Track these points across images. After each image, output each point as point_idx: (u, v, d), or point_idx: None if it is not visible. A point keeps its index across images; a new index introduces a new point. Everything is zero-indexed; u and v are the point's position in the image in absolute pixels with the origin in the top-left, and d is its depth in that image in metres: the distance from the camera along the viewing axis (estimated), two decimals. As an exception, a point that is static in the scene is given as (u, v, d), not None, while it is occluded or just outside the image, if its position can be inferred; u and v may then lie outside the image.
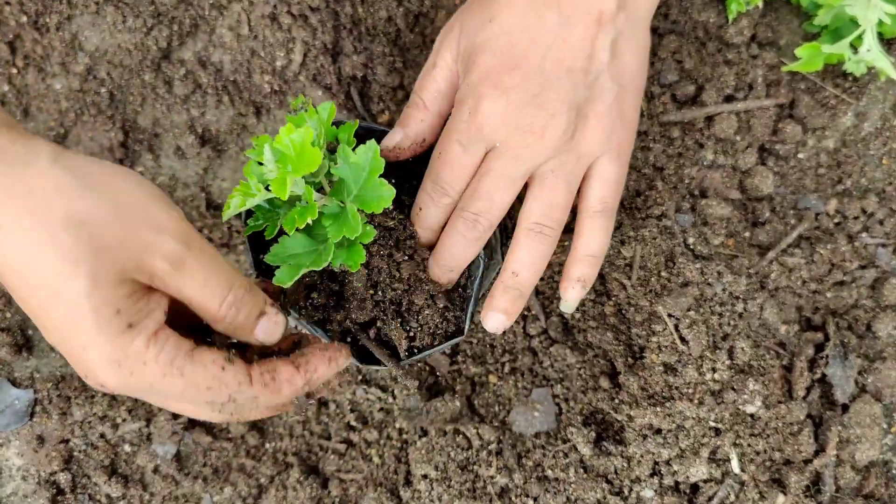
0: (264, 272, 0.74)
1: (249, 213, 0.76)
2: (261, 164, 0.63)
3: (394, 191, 0.63)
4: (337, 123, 0.71)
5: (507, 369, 0.92)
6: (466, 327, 0.74)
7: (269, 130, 0.98)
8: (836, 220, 0.92)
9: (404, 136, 0.77)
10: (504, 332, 0.92)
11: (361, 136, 0.73)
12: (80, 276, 0.54)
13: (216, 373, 0.59)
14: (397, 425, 0.91)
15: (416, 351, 0.75)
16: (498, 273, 0.77)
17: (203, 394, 0.60)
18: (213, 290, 0.59)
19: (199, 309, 0.60)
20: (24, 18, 0.97)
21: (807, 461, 0.86)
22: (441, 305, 0.74)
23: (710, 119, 0.93)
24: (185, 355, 0.58)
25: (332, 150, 0.68)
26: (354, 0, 0.97)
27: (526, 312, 0.92)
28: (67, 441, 0.92)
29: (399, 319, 0.74)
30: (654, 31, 0.97)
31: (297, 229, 0.62)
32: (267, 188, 0.61)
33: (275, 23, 0.97)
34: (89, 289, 0.54)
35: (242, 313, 0.61)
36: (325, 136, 0.67)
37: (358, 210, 0.64)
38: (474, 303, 0.75)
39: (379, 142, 0.73)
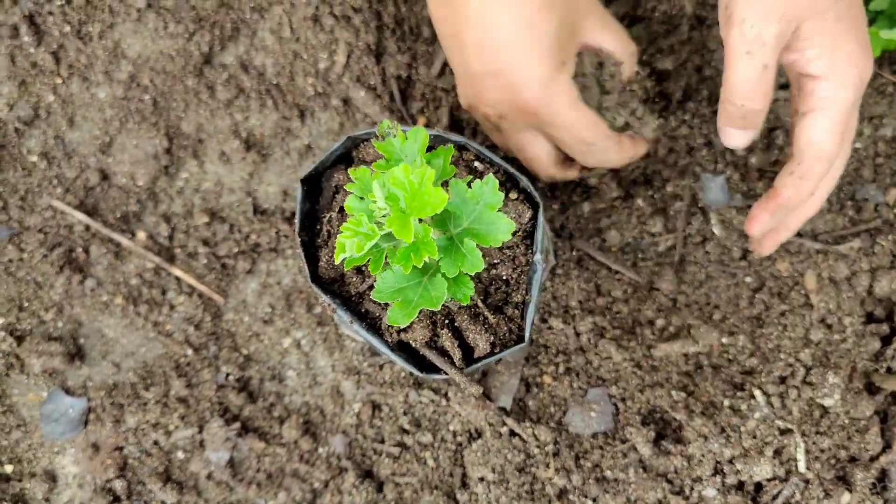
0: (322, 284, 0.74)
1: (304, 227, 0.75)
2: (361, 198, 0.61)
3: (513, 224, 0.60)
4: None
5: (561, 370, 0.91)
6: (527, 335, 0.73)
7: (314, 133, 0.97)
8: (896, 211, 0.90)
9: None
10: (552, 330, 0.90)
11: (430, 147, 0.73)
12: (553, 17, 0.71)
13: (593, 120, 0.76)
14: (451, 428, 0.90)
15: (477, 360, 0.74)
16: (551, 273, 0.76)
17: (581, 132, 0.76)
18: (626, 41, 0.79)
19: (615, 51, 0.78)
20: (68, 28, 0.98)
21: (873, 458, 0.84)
22: (501, 315, 0.73)
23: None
24: (579, 99, 0.75)
25: None
26: (397, -1, 0.96)
27: (573, 310, 0.91)
28: (122, 448, 0.93)
29: (453, 330, 0.73)
30: (702, 21, 0.95)
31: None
32: (377, 225, 0.59)
33: (317, 24, 0.97)
34: (557, 30, 0.72)
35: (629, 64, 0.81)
36: (422, 162, 0.64)
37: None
38: (534, 309, 0.73)
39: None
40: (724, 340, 0.88)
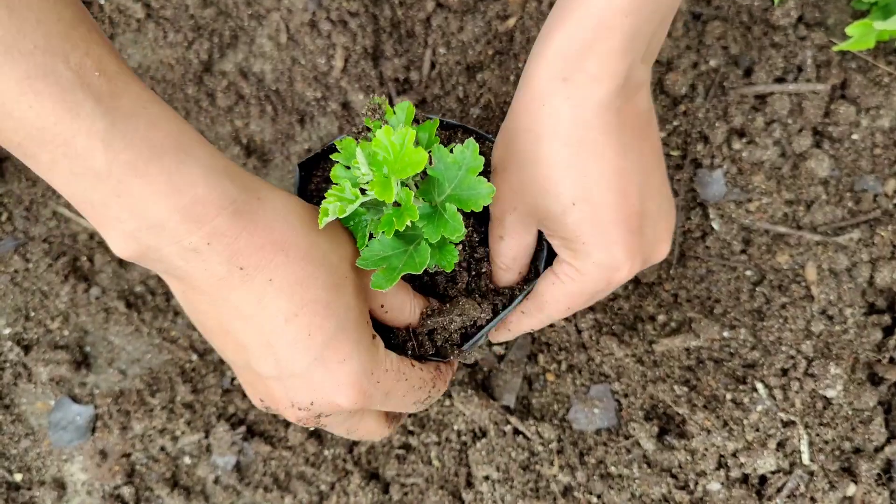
0: None
1: None
2: (347, 167, 0.62)
3: (493, 188, 0.60)
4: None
5: (563, 367, 0.91)
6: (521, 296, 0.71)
7: (315, 138, 0.98)
8: (895, 201, 0.90)
9: None
10: (552, 326, 0.91)
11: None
12: (347, 290, 0.61)
13: (422, 375, 0.68)
14: (456, 427, 0.91)
15: (467, 338, 0.73)
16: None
17: (415, 393, 0.67)
18: (403, 295, 0.68)
19: (398, 311, 0.68)
20: (68, 39, 0.99)
21: (878, 449, 0.84)
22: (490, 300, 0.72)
23: (762, 98, 0.91)
24: (402, 360, 0.66)
25: None
26: (393, 3, 0.97)
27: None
28: (129, 455, 0.93)
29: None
30: (697, 17, 0.95)
31: (382, 231, 0.61)
32: (362, 191, 0.60)
33: (314, 30, 0.97)
34: (355, 303, 0.62)
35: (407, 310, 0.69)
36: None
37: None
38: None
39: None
40: (726, 334, 0.88)
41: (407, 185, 0.62)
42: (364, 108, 0.67)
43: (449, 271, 0.66)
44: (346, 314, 0.61)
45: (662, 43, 0.61)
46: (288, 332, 0.59)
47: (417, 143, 0.67)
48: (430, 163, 0.62)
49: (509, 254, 0.68)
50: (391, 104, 0.98)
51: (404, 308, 0.68)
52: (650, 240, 0.64)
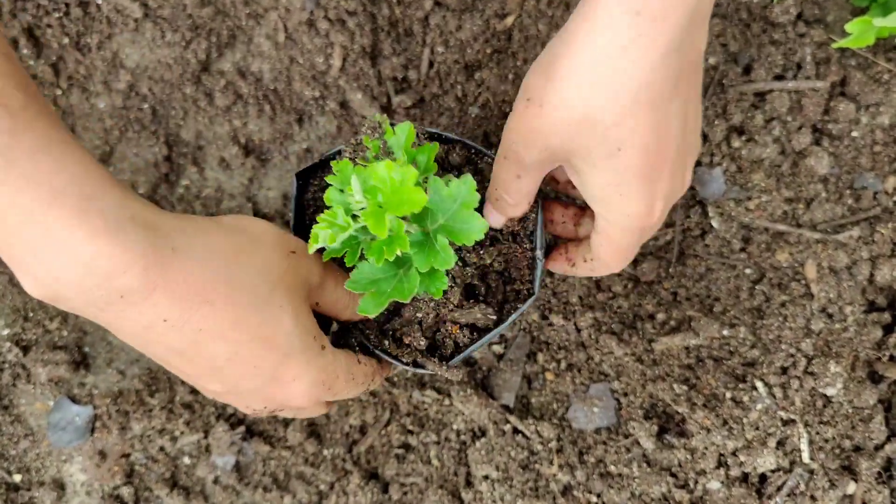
0: None
1: (298, 221, 0.76)
2: (342, 191, 0.62)
3: (486, 223, 0.61)
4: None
5: (562, 366, 0.91)
6: (536, 291, 0.72)
7: (313, 137, 0.98)
8: (895, 199, 0.89)
9: None
10: (551, 327, 0.91)
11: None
12: (284, 317, 0.61)
13: (366, 370, 0.71)
14: (455, 427, 0.91)
15: (458, 351, 0.74)
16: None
17: (359, 388, 0.71)
18: (340, 292, 0.70)
19: (332, 307, 0.70)
20: (66, 40, 0.99)
21: (878, 447, 0.84)
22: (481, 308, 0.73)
23: (762, 95, 0.91)
24: (349, 357, 0.69)
25: None
26: (391, 1, 0.97)
27: (574, 306, 0.91)
28: (128, 455, 0.93)
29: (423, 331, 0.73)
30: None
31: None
32: (354, 217, 0.60)
33: (312, 29, 0.97)
34: (295, 325, 0.62)
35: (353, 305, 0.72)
36: (406, 157, 0.64)
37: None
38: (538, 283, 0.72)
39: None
40: (725, 332, 0.88)
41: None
42: (364, 125, 0.66)
43: (438, 298, 0.66)
44: (289, 340, 0.62)
45: None
46: (232, 369, 0.60)
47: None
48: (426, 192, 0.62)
49: (525, 191, 0.66)
50: (389, 103, 0.97)
51: (344, 304, 0.71)
52: (678, 179, 0.63)
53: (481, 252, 0.71)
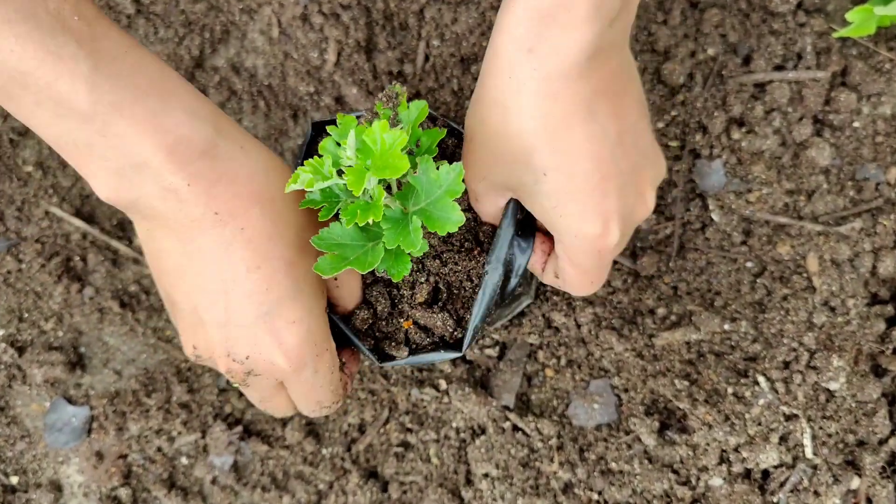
0: None
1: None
2: (338, 144, 0.61)
3: (463, 217, 0.60)
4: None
5: (562, 362, 0.90)
6: (464, 347, 0.70)
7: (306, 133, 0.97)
8: (897, 189, 0.88)
9: None
10: (551, 324, 0.90)
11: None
12: (310, 255, 0.64)
13: (337, 382, 0.71)
14: (454, 424, 0.90)
15: (408, 347, 0.73)
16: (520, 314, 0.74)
17: (327, 394, 0.70)
18: (342, 285, 0.70)
19: (340, 297, 0.71)
20: (58, 36, 0.97)
21: (882, 441, 0.83)
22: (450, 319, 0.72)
23: (761, 85, 0.90)
24: (334, 361, 0.69)
25: (409, 152, 0.66)
26: (385, -5, 0.96)
27: (574, 301, 0.90)
28: (125, 456, 0.92)
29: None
30: (694, 5, 0.94)
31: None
32: (339, 173, 0.59)
33: (306, 23, 0.96)
34: (312, 270, 0.63)
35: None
36: (411, 136, 0.64)
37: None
38: (477, 325, 0.70)
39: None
40: (727, 327, 0.87)
41: (386, 185, 0.61)
42: (382, 94, 0.66)
43: (395, 281, 0.65)
44: (306, 278, 0.63)
45: (637, 4, 0.59)
46: (247, 282, 0.61)
47: (414, 151, 0.66)
48: (415, 170, 0.61)
49: (487, 211, 0.69)
50: (385, 98, 0.96)
51: (354, 291, 0.71)
52: (630, 198, 0.63)
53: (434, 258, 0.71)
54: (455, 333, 0.71)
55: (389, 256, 0.63)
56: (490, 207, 0.68)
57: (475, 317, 0.69)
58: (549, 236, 0.71)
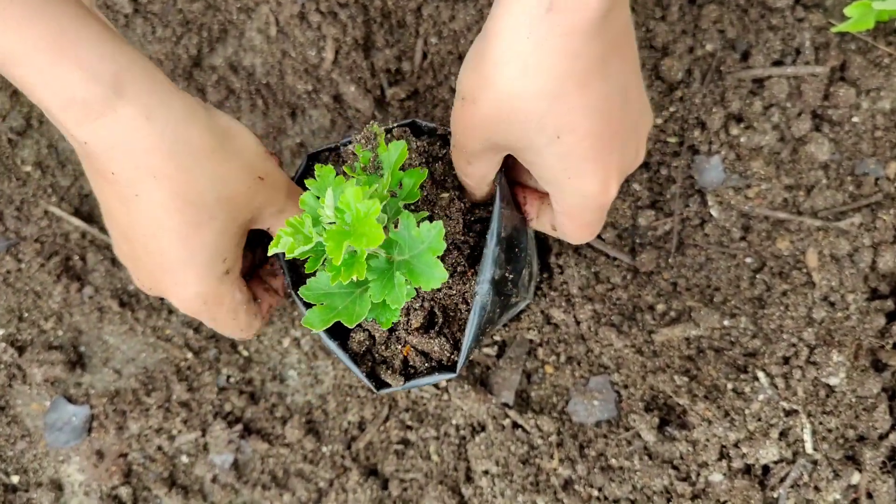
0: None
1: None
2: (318, 197, 0.61)
3: (446, 274, 0.59)
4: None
5: (562, 359, 0.90)
6: (460, 366, 0.71)
7: (307, 131, 0.97)
8: (897, 184, 0.88)
9: None
10: (550, 321, 0.90)
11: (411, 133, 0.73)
12: (211, 228, 0.64)
13: (250, 321, 0.74)
14: (454, 422, 0.90)
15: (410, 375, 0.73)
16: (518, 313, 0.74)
17: (233, 328, 0.73)
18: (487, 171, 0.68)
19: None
20: (56, 36, 0.97)
21: (882, 436, 0.83)
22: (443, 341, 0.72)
23: (760, 80, 0.90)
24: (242, 304, 0.72)
25: (394, 195, 0.65)
26: (383, -8, 0.96)
27: (574, 298, 0.90)
28: (126, 455, 0.93)
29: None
30: (693, 1, 0.94)
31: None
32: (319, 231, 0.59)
33: (304, 22, 0.96)
34: (215, 241, 0.65)
35: None
36: (392, 179, 0.64)
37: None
38: (470, 343, 0.70)
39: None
40: (726, 323, 0.87)
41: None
42: (360, 135, 0.66)
43: (384, 329, 0.65)
44: (200, 250, 0.65)
45: None
46: (141, 245, 0.64)
47: (396, 193, 0.65)
48: (396, 226, 0.61)
49: (479, 174, 0.68)
50: (383, 95, 0.96)
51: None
52: (630, 152, 0.63)
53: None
54: (452, 357, 0.72)
55: (377, 306, 0.63)
56: (484, 167, 0.67)
57: (468, 338, 0.69)
58: (531, 190, 0.73)
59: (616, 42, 0.58)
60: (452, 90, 0.95)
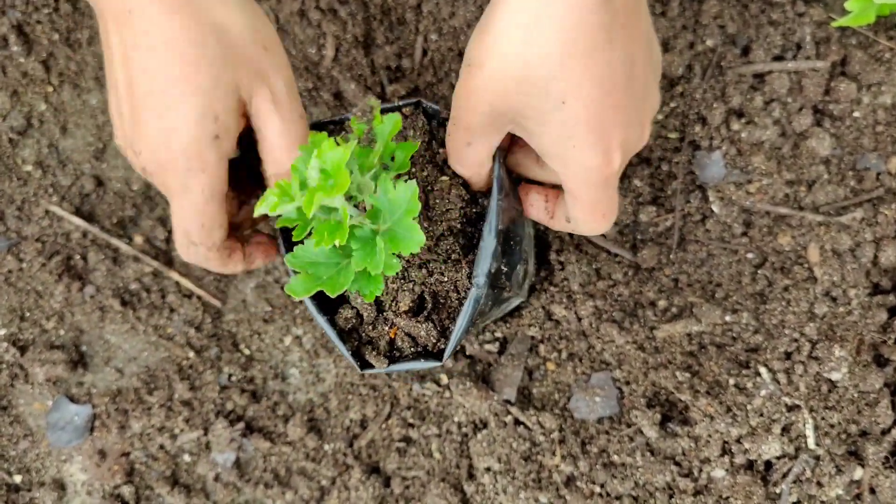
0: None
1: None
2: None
3: (424, 238, 0.60)
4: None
5: (564, 356, 0.90)
6: (447, 355, 0.71)
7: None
8: (898, 179, 0.88)
9: None
10: (552, 317, 0.90)
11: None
12: (208, 72, 0.62)
13: (218, 223, 0.68)
14: (456, 419, 0.90)
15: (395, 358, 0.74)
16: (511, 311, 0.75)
17: (205, 223, 0.67)
18: (288, 140, 0.67)
19: (267, 147, 0.68)
20: (56, 36, 0.98)
21: (885, 431, 0.83)
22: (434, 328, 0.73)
23: (761, 75, 0.89)
24: (220, 196, 0.66)
25: (384, 167, 0.66)
26: (382, -10, 0.96)
27: (575, 294, 0.90)
28: (128, 454, 0.93)
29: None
30: (692, -4, 0.93)
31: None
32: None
33: (304, 19, 0.96)
34: (211, 86, 0.62)
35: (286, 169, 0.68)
36: (384, 151, 0.64)
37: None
38: (460, 335, 0.70)
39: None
40: (728, 318, 0.87)
41: (353, 198, 0.61)
42: (356, 108, 0.66)
43: (368, 302, 0.65)
44: (194, 91, 0.62)
45: None
46: (138, 88, 0.63)
47: (389, 165, 0.65)
48: (375, 191, 0.61)
49: (476, 159, 0.67)
50: (383, 92, 0.96)
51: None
52: (634, 128, 0.63)
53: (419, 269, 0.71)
54: (438, 344, 0.72)
55: (361, 276, 0.63)
56: (482, 150, 0.66)
57: (459, 328, 0.69)
58: (541, 185, 0.73)
59: (623, 16, 0.58)
60: (453, 86, 0.95)
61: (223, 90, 0.63)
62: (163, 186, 0.67)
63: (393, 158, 0.66)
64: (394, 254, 0.61)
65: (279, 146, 0.67)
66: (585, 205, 0.66)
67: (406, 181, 0.60)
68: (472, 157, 0.67)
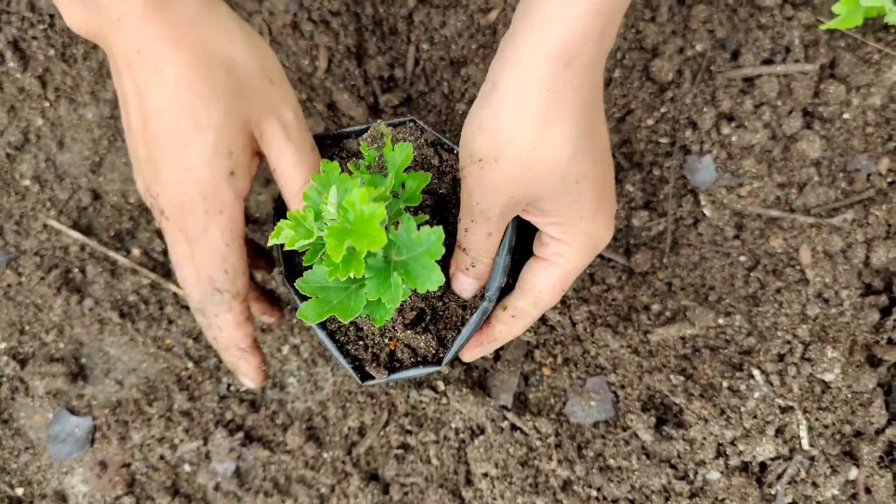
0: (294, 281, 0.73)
1: (281, 213, 0.75)
2: (321, 193, 0.61)
3: (443, 278, 0.59)
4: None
5: (559, 360, 0.90)
6: (446, 360, 0.72)
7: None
8: (889, 180, 0.88)
9: None
10: (546, 321, 0.90)
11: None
12: (220, 106, 0.63)
13: (241, 270, 0.68)
14: (453, 425, 0.90)
15: (395, 368, 0.74)
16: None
17: (214, 263, 0.67)
18: (305, 174, 0.68)
19: (285, 182, 0.69)
20: (52, 51, 0.98)
21: (879, 431, 0.83)
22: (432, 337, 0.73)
23: (750, 80, 0.90)
24: (240, 240, 0.67)
25: (395, 194, 0.66)
26: (374, 0, 0.96)
27: (570, 299, 0.90)
28: (129, 465, 0.93)
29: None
30: (682, 1, 0.94)
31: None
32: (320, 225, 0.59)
33: (297, 31, 0.97)
34: (223, 121, 0.63)
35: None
36: (395, 181, 0.64)
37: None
38: (465, 339, 0.71)
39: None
40: (721, 321, 0.88)
41: None
42: (366, 133, 0.66)
43: (378, 326, 0.65)
44: (207, 126, 0.63)
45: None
46: (152, 125, 0.63)
47: (399, 193, 0.65)
48: (396, 226, 0.61)
49: (494, 245, 0.67)
50: (376, 102, 0.97)
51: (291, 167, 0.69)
52: (615, 196, 0.69)
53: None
54: (437, 353, 0.72)
55: (371, 303, 0.63)
56: (499, 235, 0.67)
57: (462, 338, 0.70)
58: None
59: (599, 94, 0.63)
60: (444, 95, 0.95)
61: (235, 125, 0.64)
62: (182, 232, 0.67)
63: (403, 187, 0.66)
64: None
65: (297, 182, 0.68)
66: (562, 277, 0.68)
67: (432, 225, 0.61)
68: (491, 246, 0.67)
